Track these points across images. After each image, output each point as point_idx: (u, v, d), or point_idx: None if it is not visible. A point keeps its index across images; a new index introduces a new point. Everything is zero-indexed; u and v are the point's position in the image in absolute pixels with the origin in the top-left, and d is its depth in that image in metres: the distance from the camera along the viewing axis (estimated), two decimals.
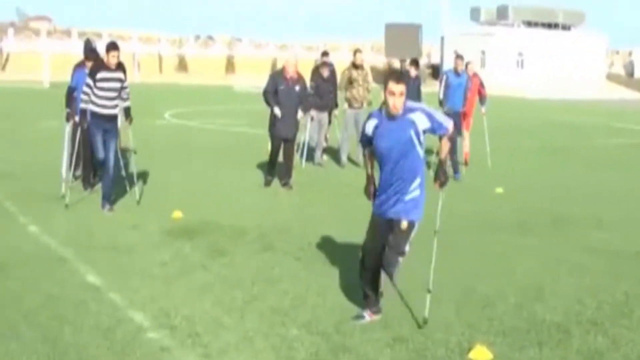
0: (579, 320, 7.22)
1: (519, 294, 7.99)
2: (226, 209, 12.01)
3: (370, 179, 7.20)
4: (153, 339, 6.48)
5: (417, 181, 6.83)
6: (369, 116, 7.08)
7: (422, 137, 6.78)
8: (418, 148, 6.77)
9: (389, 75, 6.77)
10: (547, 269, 9.08)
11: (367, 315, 6.97)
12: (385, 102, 6.74)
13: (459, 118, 16.43)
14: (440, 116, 6.95)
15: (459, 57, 16.94)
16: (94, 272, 8.38)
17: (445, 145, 7.10)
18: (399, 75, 6.78)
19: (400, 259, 6.91)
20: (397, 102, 6.66)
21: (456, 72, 16.52)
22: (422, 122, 6.72)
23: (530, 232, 11.05)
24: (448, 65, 67.26)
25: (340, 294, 7.81)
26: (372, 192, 7.12)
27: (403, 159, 6.74)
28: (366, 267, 7.02)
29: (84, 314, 7.01)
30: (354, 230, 10.68)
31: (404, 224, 6.78)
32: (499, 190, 14.37)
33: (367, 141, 7.04)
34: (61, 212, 11.25)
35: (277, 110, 13.86)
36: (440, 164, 7.09)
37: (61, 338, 6.42)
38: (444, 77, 16.67)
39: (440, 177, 6.98)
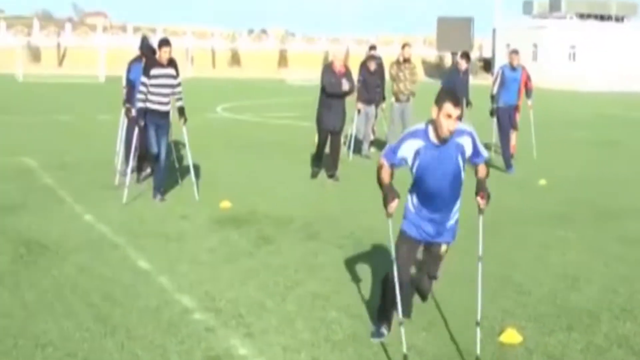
0: (610, 308, 7.39)
1: (554, 282, 8.18)
2: (273, 199, 12.33)
3: (390, 190, 6.15)
4: (198, 320, 6.82)
5: (458, 204, 6.39)
6: (409, 135, 6.17)
7: (465, 163, 6.23)
8: (462, 173, 6.23)
9: (444, 96, 6.03)
10: (584, 259, 9.23)
11: (385, 331, 6.54)
12: (435, 124, 6.00)
13: (513, 112, 16.61)
14: (480, 143, 6.26)
15: (514, 51, 17.02)
16: (144, 257, 8.76)
17: (483, 169, 6.36)
18: (456, 98, 6.05)
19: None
20: (452, 126, 5.97)
21: (512, 67, 16.61)
22: (468, 148, 6.14)
23: (570, 224, 11.16)
24: (499, 58, 66.99)
25: (380, 281, 8.03)
26: (395, 205, 6.15)
27: (450, 185, 6.20)
28: (403, 285, 6.27)
29: (133, 296, 7.38)
30: (397, 219, 10.95)
31: (444, 248, 6.48)
32: (542, 182, 14.48)
33: (396, 161, 6.17)
34: (115, 202, 11.65)
35: (345, 85, 14.10)
36: (482, 181, 6.30)
37: (112, 317, 6.80)
38: (500, 72, 16.76)
39: (482, 192, 6.22)
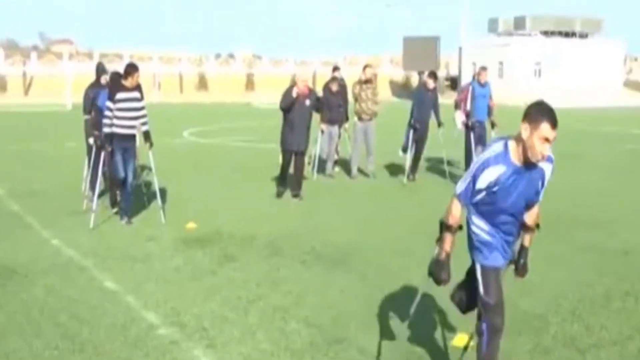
0: (559, 311, 7.80)
1: (507, 288, 8.54)
2: (238, 219, 12.64)
3: (448, 264, 5.61)
4: (163, 335, 7.12)
5: None
6: (487, 161, 5.28)
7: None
8: None
9: (540, 114, 5.16)
10: (537, 266, 9.57)
11: None
12: (524, 144, 5.21)
13: (483, 129, 17.06)
14: None
15: (483, 68, 17.43)
16: (111, 278, 9.04)
17: (533, 221, 5.81)
18: (555, 116, 5.16)
19: None
20: (546, 151, 5.20)
21: (480, 83, 17.02)
22: (547, 175, 5.47)
23: None
24: (466, 76, 67.76)
25: (340, 293, 8.45)
26: (443, 284, 5.66)
27: (524, 209, 5.59)
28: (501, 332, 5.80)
29: (101, 315, 7.67)
30: (359, 235, 11.40)
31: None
32: None
33: (473, 192, 5.39)
34: (82, 227, 11.87)
35: (295, 91, 14.40)
36: (527, 251, 5.97)
37: (80, 335, 7.08)
38: (470, 88, 17.17)
39: (523, 269, 6.01)
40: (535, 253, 10.31)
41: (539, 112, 5.12)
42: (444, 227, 5.52)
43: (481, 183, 5.27)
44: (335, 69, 19.37)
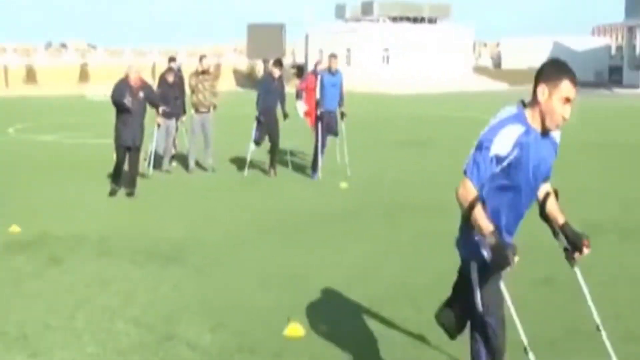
0: (396, 296, 8.22)
1: (344, 276, 8.97)
2: (67, 220, 12.51)
3: (502, 238, 4.70)
4: None
5: None
6: (503, 121, 4.78)
7: None
8: None
9: (559, 70, 4.75)
10: (375, 254, 10.11)
11: None
12: (542, 109, 4.76)
13: (334, 118, 17.32)
14: None
15: (333, 56, 17.62)
16: None
17: (551, 190, 5.22)
18: (574, 73, 4.75)
19: None
20: (567, 114, 4.75)
21: (330, 72, 17.20)
22: (558, 142, 5.01)
23: (363, 222, 12.14)
24: (312, 64, 68.62)
25: (173, 289, 8.60)
26: (517, 260, 4.57)
27: (537, 188, 5.05)
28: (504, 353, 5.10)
29: None
30: (195, 231, 11.58)
31: None
32: (344, 185, 15.43)
33: (489, 172, 4.74)
34: None
35: (128, 100, 14.37)
36: (569, 227, 5.13)
37: None
38: (320, 78, 17.32)
39: (586, 239, 5.09)
40: (372, 241, 10.90)
41: (557, 69, 4.74)
42: (470, 207, 4.69)
43: (501, 148, 4.65)
44: (172, 59, 19.44)
